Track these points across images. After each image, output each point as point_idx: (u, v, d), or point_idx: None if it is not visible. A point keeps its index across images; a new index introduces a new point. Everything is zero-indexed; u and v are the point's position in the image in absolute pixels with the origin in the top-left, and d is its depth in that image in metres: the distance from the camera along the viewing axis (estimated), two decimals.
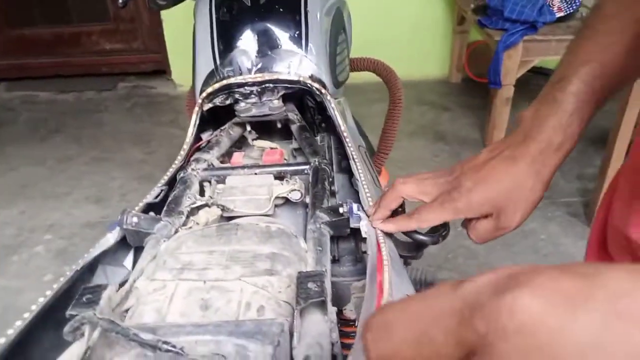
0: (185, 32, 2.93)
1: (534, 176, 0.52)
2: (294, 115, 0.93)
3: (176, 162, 0.86)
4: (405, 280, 0.63)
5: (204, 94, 0.92)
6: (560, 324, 0.19)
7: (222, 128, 0.95)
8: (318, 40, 0.95)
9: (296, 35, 0.94)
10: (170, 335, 0.43)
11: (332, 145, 0.95)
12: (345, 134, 0.86)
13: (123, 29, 3.14)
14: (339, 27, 1.07)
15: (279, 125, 0.95)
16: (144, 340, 0.39)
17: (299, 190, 0.74)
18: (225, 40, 0.94)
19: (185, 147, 0.89)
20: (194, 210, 0.70)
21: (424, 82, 3.19)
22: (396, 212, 0.64)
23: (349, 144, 0.84)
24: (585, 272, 0.20)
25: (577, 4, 2.33)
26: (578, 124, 0.52)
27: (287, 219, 0.78)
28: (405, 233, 0.71)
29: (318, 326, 0.44)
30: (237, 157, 0.84)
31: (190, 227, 0.67)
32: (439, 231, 0.66)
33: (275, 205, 0.74)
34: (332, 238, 0.65)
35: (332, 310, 0.47)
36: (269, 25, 0.94)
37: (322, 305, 0.45)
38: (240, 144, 0.96)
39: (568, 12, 2.33)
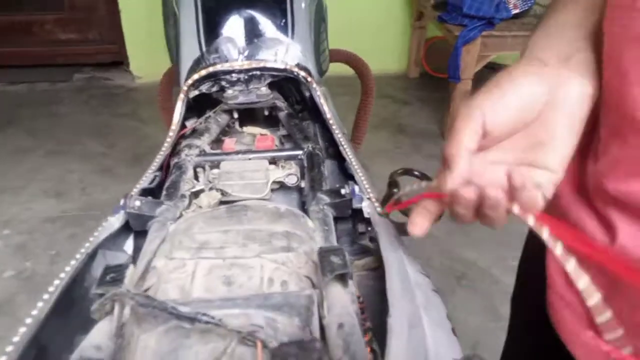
0: (144, 22, 2.89)
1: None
2: (281, 102, 0.94)
3: (163, 149, 0.85)
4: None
5: (190, 81, 0.92)
6: None
7: (207, 115, 0.95)
8: (303, 29, 0.97)
9: (282, 24, 0.95)
10: (200, 309, 0.44)
11: (318, 132, 0.97)
12: (331, 121, 0.88)
13: (78, 19, 3.03)
14: (320, 17, 1.09)
15: (266, 113, 0.95)
16: (182, 313, 0.40)
17: (295, 175, 0.76)
18: (211, 28, 0.94)
19: (172, 134, 0.88)
20: (194, 194, 0.70)
21: (383, 77, 3.24)
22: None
23: (336, 131, 0.86)
24: None
25: (532, 1, 2.44)
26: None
27: (283, 203, 0.79)
28: (401, 211, 0.73)
29: (342, 297, 0.46)
30: (229, 143, 0.84)
31: (194, 211, 0.67)
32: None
33: (271, 190, 0.76)
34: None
35: (351, 282, 0.49)
36: (255, 13, 0.94)
37: (344, 277, 0.47)
38: (226, 131, 0.96)
39: (523, 9, 2.44)
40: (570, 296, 0.47)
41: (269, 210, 0.59)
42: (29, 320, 0.46)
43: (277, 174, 0.76)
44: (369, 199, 0.67)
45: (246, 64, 0.92)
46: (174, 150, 0.86)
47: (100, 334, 0.43)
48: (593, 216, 0.44)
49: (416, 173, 0.75)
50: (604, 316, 0.41)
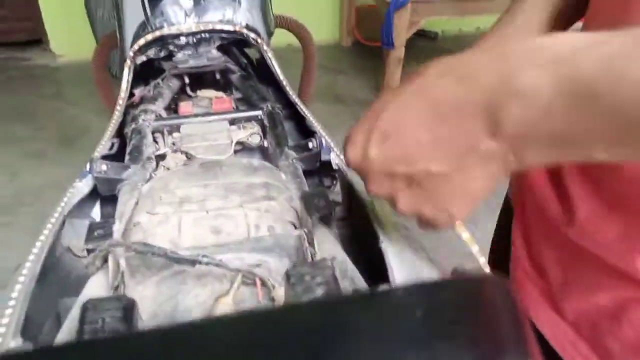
0: None
1: None
2: (232, 65, 0.93)
3: (114, 118, 0.82)
4: None
5: (136, 47, 0.89)
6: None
7: (157, 82, 0.92)
8: None
9: None
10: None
11: (271, 93, 0.97)
12: (285, 82, 0.89)
13: None
14: None
15: (217, 76, 0.94)
16: (183, 256, 0.41)
17: (258, 134, 0.76)
18: None
19: (121, 101, 0.85)
20: (159, 157, 0.69)
21: (317, 47, 3.25)
22: None
23: (290, 92, 0.87)
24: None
25: None
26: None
27: None
28: None
29: (328, 236, 0.48)
30: (186, 107, 0.83)
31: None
32: None
33: (234, 151, 0.76)
34: None
35: (333, 223, 0.51)
36: None
37: (328, 218, 0.49)
38: (177, 97, 0.94)
39: None
40: (534, 272, 0.51)
41: (243, 164, 0.60)
42: (14, 295, 0.44)
43: (240, 134, 0.76)
44: (333, 150, 0.69)
45: (194, 27, 0.90)
46: (125, 120, 0.84)
47: (96, 287, 0.42)
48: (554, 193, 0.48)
49: None
50: None
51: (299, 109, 0.83)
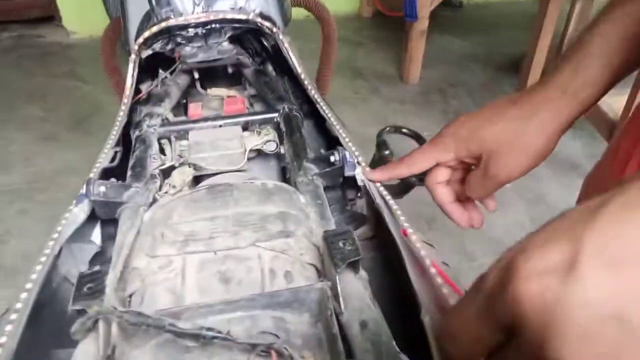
0: None
1: (535, 123, 0.46)
2: (245, 58, 0.85)
3: (119, 119, 0.75)
4: None
5: (141, 39, 0.82)
6: (558, 298, 0.20)
7: (163, 77, 0.85)
8: None
9: None
10: (199, 317, 0.38)
11: (288, 89, 0.89)
12: (303, 76, 0.81)
13: None
14: None
15: (229, 70, 0.87)
16: (184, 330, 0.34)
17: (274, 141, 0.69)
18: None
19: (126, 100, 0.78)
20: (165, 172, 0.62)
21: (335, 18, 3.12)
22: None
23: (309, 87, 0.79)
24: (569, 233, 0.21)
25: None
26: (602, 69, 0.45)
27: (261, 172, 0.73)
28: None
29: (356, 286, 0.42)
30: (195, 109, 0.76)
31: (166, 192, 0.60)
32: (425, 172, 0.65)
33: (247, 159, 0.69)
34: None
35: (362, 268, 0.44)
36: None
37: (356, 264, 0.42)
38: (187, 94, 0.87)
39: None
40: None
41: (257, 188, 0.53)
42: (2, 340, 0.39)
43: (254, 141, 0.69)
44: (359, 163, 0.61)
45: (203, 17, 0.82)
46: (131, 119, 0.77)
47: (85, 356, 0.36)
48: None
49: (405, 130, 0.70)
50: None
51: (319, 108, 0.75)
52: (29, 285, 0.44)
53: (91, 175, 0.61)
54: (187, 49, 0.82)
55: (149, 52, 0.82)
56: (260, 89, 0.81)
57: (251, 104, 0.85)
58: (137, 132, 0.69)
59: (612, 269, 0.20)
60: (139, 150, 0.65)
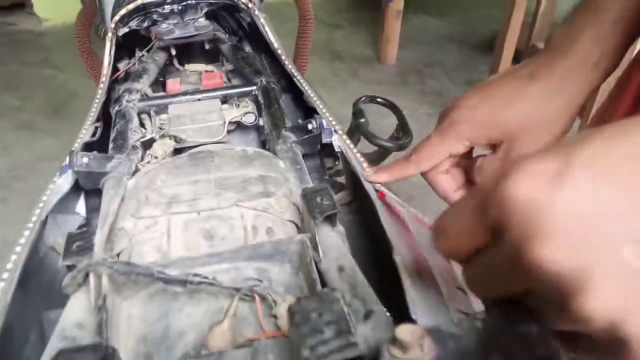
0: None
1: (561, 99, 0.42)
2: (222, 34, 0.86)
3: (97, 96, 0.76)
4: None
5: (117, 17, 0.82)
6: (544, 198, 0.22)
7: (141, 55, 0.86)
8: None
9: None
10: (185, 268, 0.40)
11: (265, 64, 0.90)
12: (280, 51, 0.82)
13: None
14: None
15: (206, 47, 0.88)
16: (171, 276, 0.36)
17: (253, 113, 0.70)
18: None
19: (104, 79, 0.79)
20: (145, 144, 0.64)
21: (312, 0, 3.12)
22: None
23: (286, 62, 0.80)
24: (564, 149, 0.23)
25: None
26: (622, 37, 0.41)
27: (241, 144, 0.74)
28: (370, 140, 0.71)
29: (334, 238, 0.44)
30: (174, 84, 0.77)
31: (148, 162, 0.61)
32: (402, 137, 0.67)
33: (227, 131, 0.70)
34: None
35: (338, 222, 0.46)
36: None
37: (333, 218, 0.45)
38: (164, 71, 0.88)
39: None
40: None
41: (237, 154, 0.55)
42: None
43: (233, 113, 0.70)
44: (336, 131, 0.63)
45: None
46: (110, 97, 0.78)
47: (78, 309, 0.38)
48: None
49: (379, 100, 0.72)
50: None
51: (296, 81, 0.77)
52: (17, 249, 0.46)
53: (73, 149, 0.63)
54: (164, 26, 0.82)
55: (126, 30, 0.83)
56: (238, 64, 0.83)
57: (229, 79, 0.86)
58: (116, 108, 0.70)
59: (598, 180, 0.22)
60: (119, 125, 0.66)
